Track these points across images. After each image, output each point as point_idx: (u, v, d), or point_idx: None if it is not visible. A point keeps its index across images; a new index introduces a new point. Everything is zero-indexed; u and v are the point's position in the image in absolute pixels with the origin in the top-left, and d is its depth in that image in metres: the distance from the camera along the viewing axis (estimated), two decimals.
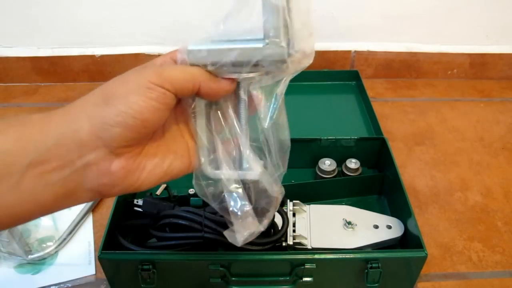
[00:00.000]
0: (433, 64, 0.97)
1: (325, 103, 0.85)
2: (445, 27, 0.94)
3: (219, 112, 0.34)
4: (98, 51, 0.93)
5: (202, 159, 0.34)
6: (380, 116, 0.74)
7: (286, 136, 0.34)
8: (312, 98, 0.86)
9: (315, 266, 0.49)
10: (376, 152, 0.69)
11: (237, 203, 0.33)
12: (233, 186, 0.33)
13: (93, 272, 0.57)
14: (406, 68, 0.98)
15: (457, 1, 0.90)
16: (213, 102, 0.34)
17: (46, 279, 0.56)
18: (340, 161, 0.67)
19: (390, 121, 0.85)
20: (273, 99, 0.33)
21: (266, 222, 0.35)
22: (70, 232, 0.61)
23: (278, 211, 0.53)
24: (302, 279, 0.50)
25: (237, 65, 0.30)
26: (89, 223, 0.63)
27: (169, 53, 0.32)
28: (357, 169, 0.66)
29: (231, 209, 0.33)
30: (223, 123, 0.34)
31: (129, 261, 0.49)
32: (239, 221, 0.34)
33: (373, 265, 0.49)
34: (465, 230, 0.63)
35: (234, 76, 0.31)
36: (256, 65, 0.30)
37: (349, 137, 0.67)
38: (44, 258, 0.58)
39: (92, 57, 0.93)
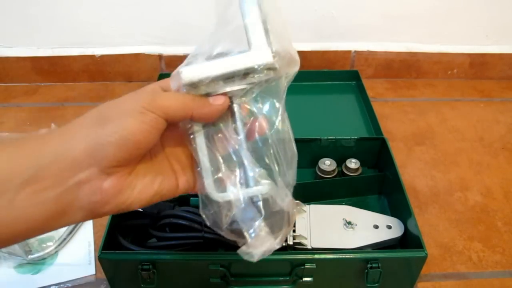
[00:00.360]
0: (433, 64, 0.97)
1: (325, 103, 0.85)
2: (445, 27, 0.94)
3: (217, 131, 0.33)
4: (98, 51, 0.92)
5: (206, 182, 0.33)
6: (380, 116, 0.74)
7: (291, 146, 0.34)
8: (312, 98, 0.86)
9: (315, 266, 0.49)
10: (376, 152, 0.69)
11: (249, 220, 0.32)
12: (243, 204, 0.32)
13: (93, 272, 0.57)
14: (406, 68, 0.98)
15: (457, 1, 0.90)
16: (210, 122, 0.33)
17: (46, 279, 0.56)
18: (340, 161, 0.67)
19: (390, 121, 0.85)
20: (271, 108, 0.33)
21: (281, 238, 0.34)
22: (70, 232, 0.61)
23: None
24: (302, 279, 0.50)
25: (228, 78, 0.31)
26: (89, 223, 0.63)
27: (159, 82, 0.33)
28: (357, 169, 0.66)
29: (243, 226, 0.32)
30: (222, 141, 0.33)
31: (129, 261, 0.49)
32: (253, 237, 0.33)
33: (373, 265, 0.49)
34: (465, 230, 0.63)
35: (227, 89, 0.31)
36: (246, 74, 0.30)
37: (349, 137, 0.67)
38: (44, 258, 0.58)
39: (92, 57, 0.93)
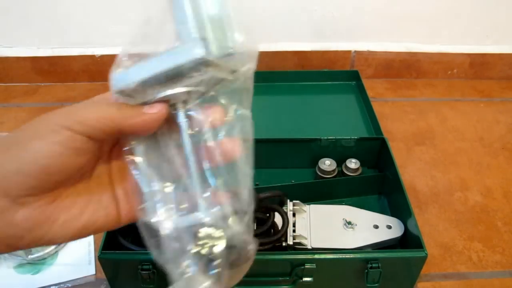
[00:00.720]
0: (433, 64, 0.97)
1: (325, 103, 0.85)
2: (445, 27, 0.94)
3: (159, 145, 0.28)
4: (98, 51, 0.92)
5: (144, 206, 0.27)
6: (380, 116, 0.74)
7: (248, 160, 0.28)
8: (312, 98, 0.86)
9: (315, 266, 0.48)
10: (376, 152, 0.69)
11: (179, 254, 0.26)
12: (174, 234, 0.26)
13: (93, 272, 0.57)
14: (406, 68, 0.98)
15: (457, 1, 0.90)
16: (151, 137, 0.28)
17: (46, 279, 0.56)
18: (340, 161, 0.67)
19: (390, 121, 0.85)
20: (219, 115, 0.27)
21: (219, 279, 0.26)
22: None
23: (278, 211, 0.53)
24: (302, 279, 0.50)
25: (161, 81, 0.25)
26: None
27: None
28: (357, 169, 0.66)
29: (170, 262, 0.27)
30: (165, 158, 0.28)
31: (129, 261, 0.49)
32: (179, 277, 0.27)
33: (373, 265, 0.49)
34: (465, 230, 0.63)
35: (167, 93, 0.26)
36: (180, 74, 0.25)
37: (349, 137, 0.67)
38: (44, 258, 0.58)
39: (92, 57, 0.93)
